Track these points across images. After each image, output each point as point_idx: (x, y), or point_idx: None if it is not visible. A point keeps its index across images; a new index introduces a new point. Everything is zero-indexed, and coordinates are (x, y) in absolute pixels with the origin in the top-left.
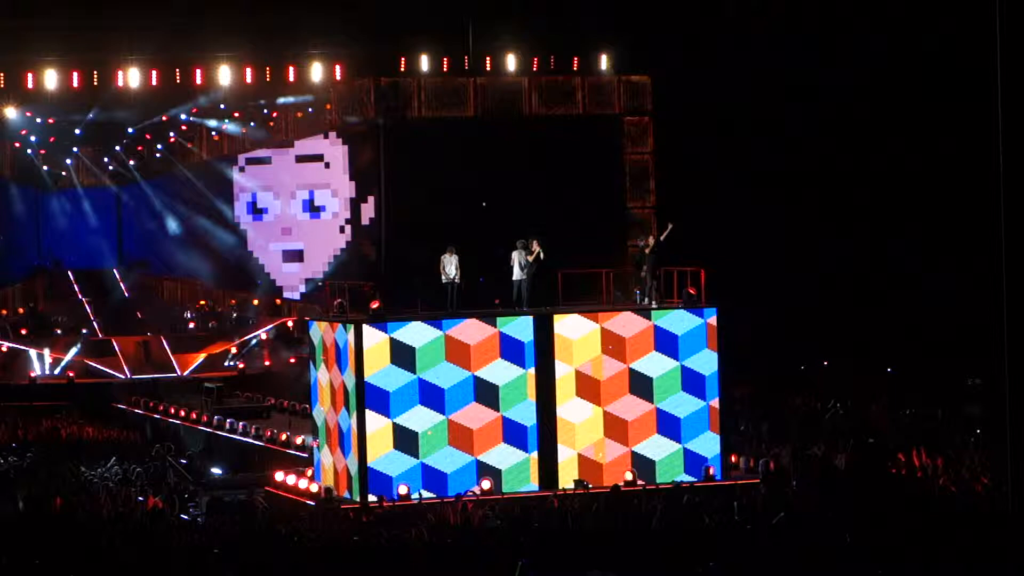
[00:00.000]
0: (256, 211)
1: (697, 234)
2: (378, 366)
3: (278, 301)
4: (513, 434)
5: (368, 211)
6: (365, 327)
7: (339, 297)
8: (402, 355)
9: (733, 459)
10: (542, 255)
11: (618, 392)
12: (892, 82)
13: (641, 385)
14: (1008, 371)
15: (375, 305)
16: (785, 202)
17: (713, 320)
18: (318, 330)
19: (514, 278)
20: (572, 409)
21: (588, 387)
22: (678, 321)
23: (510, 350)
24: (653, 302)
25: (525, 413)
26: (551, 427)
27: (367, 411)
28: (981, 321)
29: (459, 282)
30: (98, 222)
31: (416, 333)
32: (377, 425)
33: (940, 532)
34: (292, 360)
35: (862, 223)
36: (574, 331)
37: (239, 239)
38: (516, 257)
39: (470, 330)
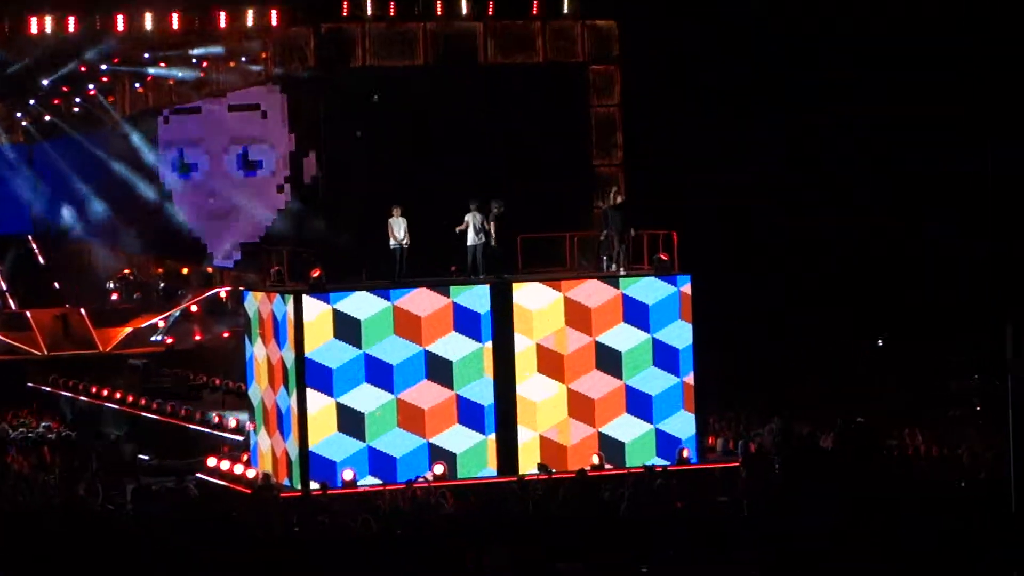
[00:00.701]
0: (183, 168)
1: (668, 194)
2: (320, 340)
3: (209, 270)
4: (469, 414)
5: (310, 168)
6: (305, 298)
7: (276, 264)
8: (346, 328)
9: (710, 441)
10: (496, 215)
11: (583, 368)
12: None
13: (609, 360)
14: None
15: (316, 273)
16: (761, 159)
17: (687, 288)
18: (254, 301)
19: (468, 243)
20: (533, 387)
21: (550, 362)
22: (649, 289)
23: (464, 322)
24: (621, 268)
25: (482, 391)
26: (510, 406)
27: (308, 390)
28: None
29: (407, 246)
30: (9, 183)
31: (361, 304)
32: (319, 405)
33: (938, 521)
34: (226, 334)
35: (845, 180)
36: (535, 301)
37: (165, 200)
38: (470, 220)
39: (421, 300)
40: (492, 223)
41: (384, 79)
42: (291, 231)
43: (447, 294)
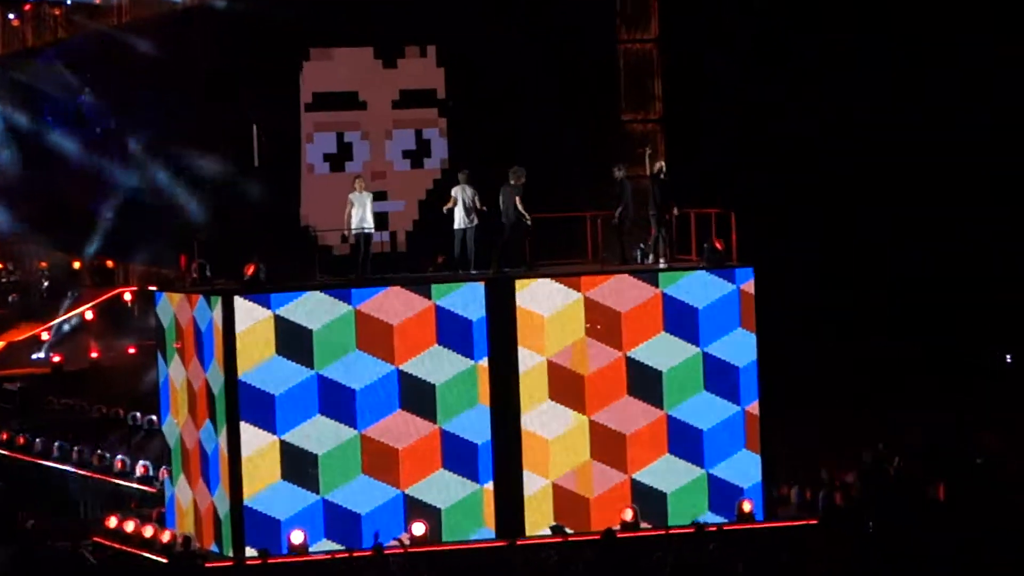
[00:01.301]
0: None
1: (722, 163)
2: (258, 358)
3: (110, 263)
4: (457, 456)
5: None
6: (238, 300)
7: (199, 257)
8: (293, 341)
9: (782, 491)
10: (516, 189)
11: (611, 393)
12: None
13: (645, 382)
14: None
15: (252, 269)
16: (847, 111)
17: (749, 286)
18: (169, 305)
19: (456, 225)
20: (544, 418)
21: (567, 386)
22: (698, 287)
23: (452, 333)
24: (661, 259)
25: (475, 425)
26: (513, 445)
27: (242, 424)
28: None
29: (371, 231)
30: None
31: (313, 309)
32: (257, 444)
33: None
34: (131, 350)
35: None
36: (546, 304)
37: (50, 166)
38: (458, 195)
39: (393, 304)
40: (517, 198)
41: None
42: (220, 212)
43: (428, 295)
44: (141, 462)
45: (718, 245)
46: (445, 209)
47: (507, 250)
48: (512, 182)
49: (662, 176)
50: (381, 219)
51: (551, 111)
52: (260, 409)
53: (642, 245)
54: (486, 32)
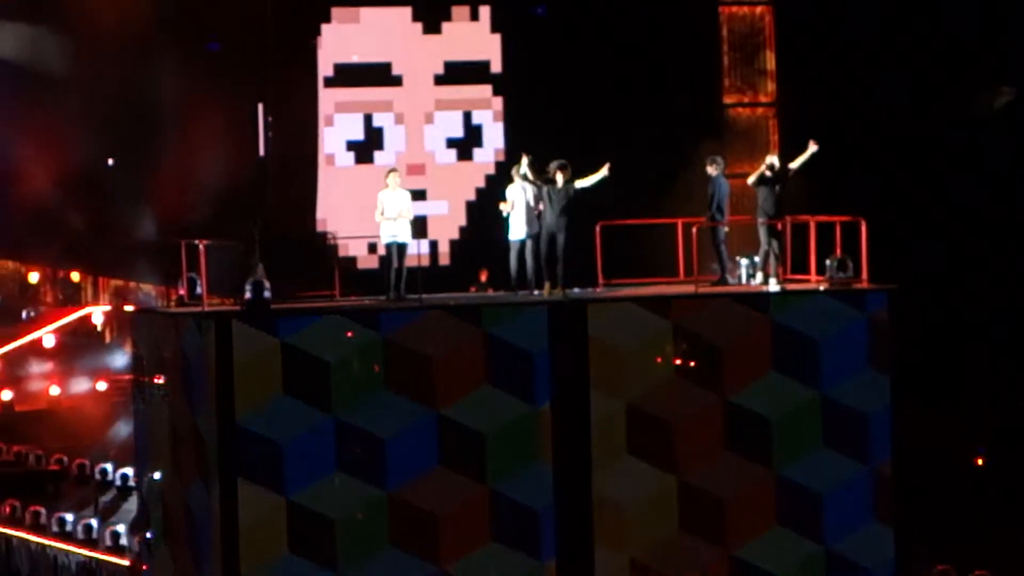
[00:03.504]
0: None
1: (848, 160)
2: (261, 398)
3: (76, 274)
4: (512, 526)
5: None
6: (236, 325)
7: (189, 270)
8: (306, 377)
9: (925, 574)
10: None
11: (707, 447)
12: None
13: (749, 434)
14: None
15: (251, 287)
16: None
17: (882, 314)
18: (150, 330)
19: (512, 235)
20: (621, 479)
21: (651, 437)
22: (817, 315)
23: (506, 369)
24: (772, 280)
25: (534, 486)
26: (583, 512)
27: (241, 481)
28: None
29: (407, 240)
30: None
31: (331, 337)
32: (259, 507)
33: None
34: (101, 384)
35: None
36: (625, 334)
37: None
38: (517, 195)
39: (432, 332)
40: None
41: None
42: (214, 211)
43: (477, 322)
44: (112, 527)
45: (844, 262)
46: (504, 210)
47: (557, 267)
48: (558, 183)
49: (775, 175)
50: (419, 225)
51: (634, 91)
52: (263, 463)
53: (748, 261)
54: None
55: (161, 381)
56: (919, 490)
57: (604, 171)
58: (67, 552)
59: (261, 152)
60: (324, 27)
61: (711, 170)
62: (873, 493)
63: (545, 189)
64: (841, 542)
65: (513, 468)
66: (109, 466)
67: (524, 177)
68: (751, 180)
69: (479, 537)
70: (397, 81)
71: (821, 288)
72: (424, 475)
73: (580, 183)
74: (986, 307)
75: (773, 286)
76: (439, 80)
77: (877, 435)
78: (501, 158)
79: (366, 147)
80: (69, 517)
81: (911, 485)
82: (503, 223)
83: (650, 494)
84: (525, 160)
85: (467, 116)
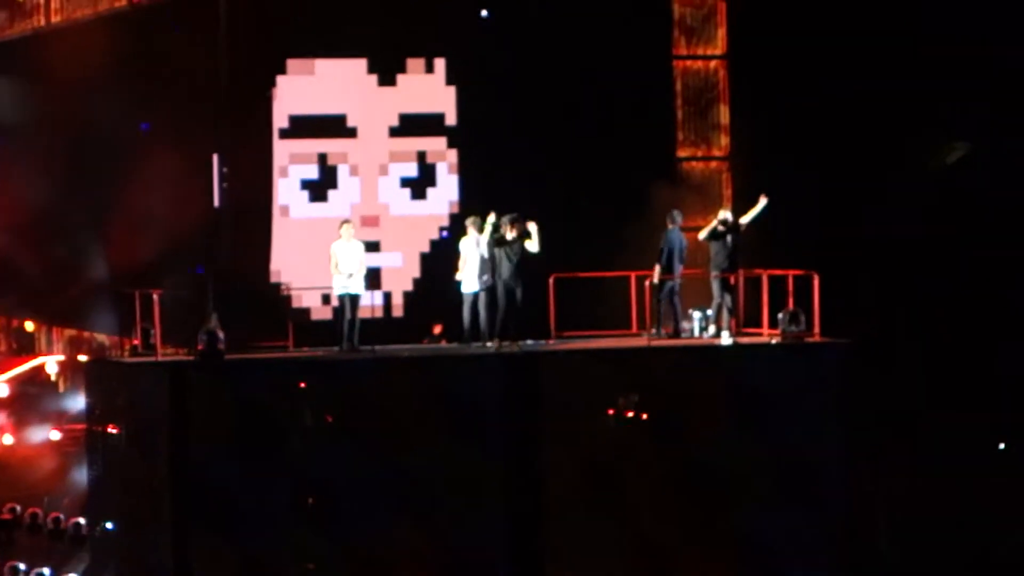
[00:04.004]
0: None
1: (802, 211)
2: (214, 448)
3: (29, 326)
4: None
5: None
6: (190, 375)
7: (143, 320)
8: (259, 427)
9: None
10: (532, 239)
11: (661, 499)
12: None
13: (702, 485)
14: None
15: (204, 337)
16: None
17: (836, 366)
18: (104, 380)
19: (464, 288)
20: (575, 529)
21: (603, 489)
22: (771, 371)
23: (459, 421)
24: (724, 332)
25: (489, 536)
26: (536, 563)
27: (194, 531)
28: None
29: (360, 292)
30: None
31: (285, 387)
32: (215, 557)
33: None
34: (54, 434)
35: None
36: (578, 386)
37: None
38: (469, 246)
39: (386, 383)
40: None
41: None
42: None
43: (432, 373)
44: None
45: (795, 315)
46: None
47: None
48: (508, 235)
49: (727, 228)
50: (373, 276)
51: (588, 145)
52: (217, 512)
53: (701, 314)
54: (507, 43)
55: (115, 431)
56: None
57: (763, 201)
58: None
59: (216, 202)
60: (280, 78)
61: (671, 224)
62: (829, 543)
63: (502, 247)
64: None
65: (467, 518)
66: (62, 516)
67: (498, 240)
68: (703, 235)
69: None
70: (352, 133)
71: (773, 341)
72: (378, 525)
73: (744, 219)
74: (941, 364)
75: (726, 339)
76: (394, 132)
77: (833, 486)
78: (455, 210)
79: (321, 187)
80: (22, 566)
81: (868, 535)
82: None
83: (603, 545)
84: (475, 220)
85: (422, 168)
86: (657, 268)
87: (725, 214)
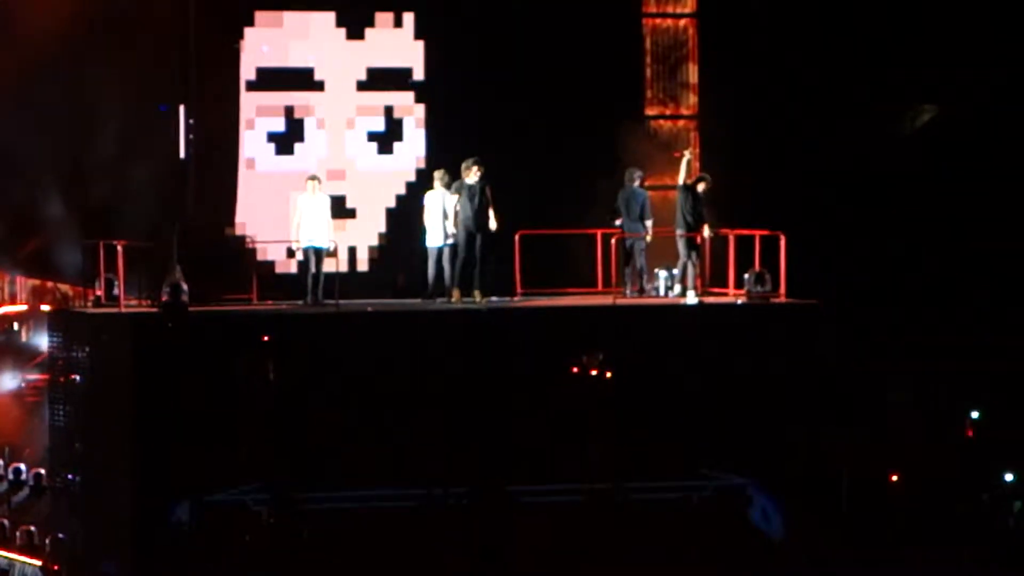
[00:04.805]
0: None
1: (768, 174)
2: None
3: None
4: None
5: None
6: (152, 326)
7: (107, 271)
8: (220, 380)
9: None
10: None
11: None
12: None
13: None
14: None
15: (168, 289)
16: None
17: (802, 328)
18: (67, 330)
19: (429, 242)
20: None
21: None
22: (737, 329)
23: (421, 378)
24: (690, 292)
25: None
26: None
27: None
28: None
29: (327, 246)
30: None
31: (246, 340)
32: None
33: None
34: (16, 383)
35: None
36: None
37: None
38: (434, 203)
39: (347, 338)
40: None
41: None
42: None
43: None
44: (24, 527)
45: (762, 275)
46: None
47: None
48: (468, 180)
49: (697, 189)
50: (338, 230)
51: (555, 100)
52: (178, 467)
53: (667, 273)
54: None
55: (77, 382)
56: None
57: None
58: None
59: (181, 154)
60: (247, 30)
61: (630, 183)
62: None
63: (463, 187)
64: None
65: (432, 476)
66: (22, 466)
67: (456, 187)
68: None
69: None
70: (319, 86)
71: (739, 302)
72: (342, 482)
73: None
74: (905, 325)
75: (691, 299)
76: (361, 86)
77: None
78: (422, 165)
79: (287, 140)
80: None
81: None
82: (422, 230)
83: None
84: (443, 174)
85: (389, 123)
86: (619, 222)
87: (702, 176)
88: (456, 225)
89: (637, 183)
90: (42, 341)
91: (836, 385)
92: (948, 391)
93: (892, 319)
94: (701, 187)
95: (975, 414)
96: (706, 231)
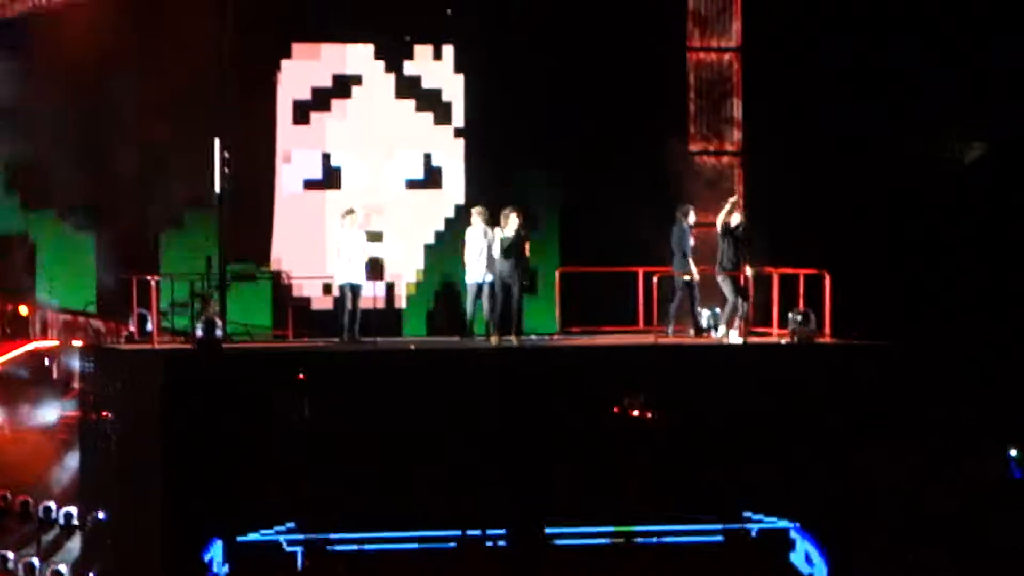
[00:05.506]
0: None
1: (814, 211)
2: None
3: (23, 310)
4: None
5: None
6: (187, 364)
7: (140, 306)
8: (255, 418)
9: None
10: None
11: None
12: None
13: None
14: None
15: (203, 325)
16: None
17: (846, 368)
18: (99, 367)
19: (469, 278)
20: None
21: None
22: (781, 369)
23: (459, 418)
24: (733, 332)
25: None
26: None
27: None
28: None
29: (362, 283)
30: None
31: (282, 378)
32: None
33: None
34: (48, 420)
35: None
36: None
37: None
38: (475, 237)
39: (383, 375)
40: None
41: None
42: None
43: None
44: (54, 567)
45: (806, 317)
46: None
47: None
48: (507, 230)
49: (740, 228)
50: (376, 267)
51: (598, 137)
52: (210, 507)
53: (710, 312)
54: (519, 30)
55: (109, 419)
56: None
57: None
58: None
59: (216, 188)
60: (284, 62)
61: (685, 219)
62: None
63: (497, 235)
64: None
65: (468, 518)
66: (52, 504)
67: (486, 221)
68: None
69: None
70: (357, 119)
71: (783, 342)
72: (377, 521)
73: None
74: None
75: (734, 338)
76: (399, 119)
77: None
78: (461, 201)
79: (323, 186)
80: (10, 555)
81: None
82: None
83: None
84: (483, 210)
85: (428, 157)
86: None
87: (737, 213)
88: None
89: (691, 220)
90: (74, 377)
91: (882, 427)
92: (993, 431)
93: (940, 358)
94: (737, 220)
95: (1013, 452)
96: (748, 271)
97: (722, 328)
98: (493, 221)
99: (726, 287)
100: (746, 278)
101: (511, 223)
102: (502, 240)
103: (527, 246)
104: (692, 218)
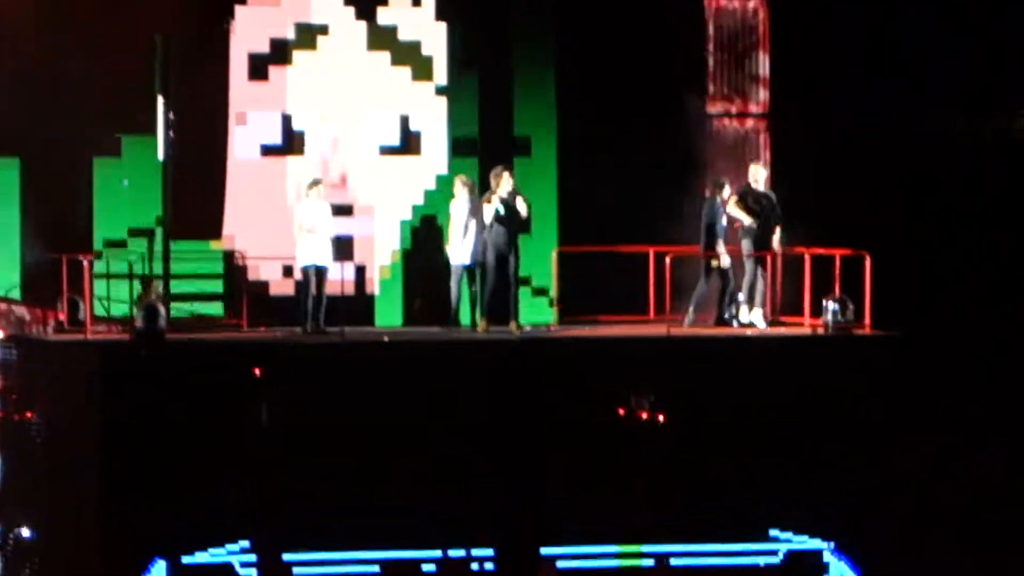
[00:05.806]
0: None
1: (852, 179)
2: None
3: None
4: None
5: None
6: (124, 357)
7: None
8: (203, 420)
9: None
10: (524, 210)
11: None
12: None
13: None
14: None
15: (143, 313)
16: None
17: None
18: (23, 360)
19: (453, 259)
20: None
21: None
22: (813, 364)
23: (443, 419)
24: (757, 311)
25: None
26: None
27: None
28: None
29: (327, 264)
30: None
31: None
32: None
33: None
34: None
35: None
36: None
37: None
38: (460, 211)
39: (354, 371)
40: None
41: None
42: None
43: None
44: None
45: (843, 303)
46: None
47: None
48: (500, 191)
49: (764, 200)
50: (344, 246)
51: (601, 95)
52: (153, 521)
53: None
54: None
55: (34, 420)
56: None
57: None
58: None
59: (160, 155)
60: (238, 8)
61: (712, 191)
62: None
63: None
64: None
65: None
66: None
67: (471, 193)
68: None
69: None
70: (323, 75)
71: (816, 333)
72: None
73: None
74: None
75: (759, 321)
76: (372, 76)
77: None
78: (444, 170)
79: (283, 152)
80: None
81: None
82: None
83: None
84: (468, 180)
85: (405, 119)
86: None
87: (762, 184)
88: (485, 244)
89: (726, 195)
90: None
91: (927, 431)
92: None
93: (991, 355)
94: (763, 188)
95: None
96: (776, 244)
97: (743, 310)
98: (480, 192)
99: (748, 264)
100: (773, 256)
101: (504, 183)
102: (499, 201)
103: (525, 208)
104: (727, 192)
